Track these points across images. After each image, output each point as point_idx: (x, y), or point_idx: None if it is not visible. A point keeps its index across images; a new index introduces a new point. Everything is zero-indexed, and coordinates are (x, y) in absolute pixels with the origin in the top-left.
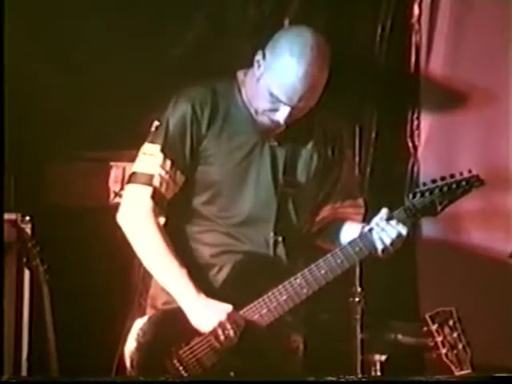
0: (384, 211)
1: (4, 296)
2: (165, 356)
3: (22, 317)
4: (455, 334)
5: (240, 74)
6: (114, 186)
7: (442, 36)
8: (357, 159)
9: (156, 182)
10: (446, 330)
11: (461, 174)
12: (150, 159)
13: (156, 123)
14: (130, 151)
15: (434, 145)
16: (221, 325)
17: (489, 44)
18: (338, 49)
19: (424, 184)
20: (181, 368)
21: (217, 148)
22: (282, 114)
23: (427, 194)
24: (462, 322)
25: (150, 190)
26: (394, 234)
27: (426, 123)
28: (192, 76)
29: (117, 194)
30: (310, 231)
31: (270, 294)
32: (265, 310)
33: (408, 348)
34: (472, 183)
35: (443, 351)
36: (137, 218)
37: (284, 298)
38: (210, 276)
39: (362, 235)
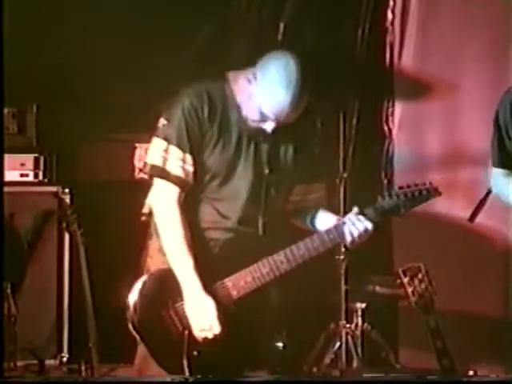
0: (355, 209)
1: (47, 255)
2: (162, 307)
3: (63, 271)
4: (423, 286)
5: (231, 76)
6: (138, 163)
7: (412, 37)
8: (341, 140)
9: (181, 174)
10: (416, 282)
11: (423, 184)
12: (169, 155)
13: (163, 121)
14: (151, 134)
15: (406, 128)
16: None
17: (450, 43)
18: (326, 48)
19: (393, 189)
20: (176, 319)
21: (215, 142)
22: (269, 126)
23: (395, 197)
24: (429, 275)
25: (176, 188)
26: (361, 228)
27: (399, 110)
28: (199, 70)
29: (141, 170)
30: (286, 208)
31: (255, 265)
32: (249, 278)
33: (384, 297)
34: (431, 193)
35: (413, 300)
36: (165, 210)
37: (266, 270)
38: (203, 248)
39: (336, 226)
